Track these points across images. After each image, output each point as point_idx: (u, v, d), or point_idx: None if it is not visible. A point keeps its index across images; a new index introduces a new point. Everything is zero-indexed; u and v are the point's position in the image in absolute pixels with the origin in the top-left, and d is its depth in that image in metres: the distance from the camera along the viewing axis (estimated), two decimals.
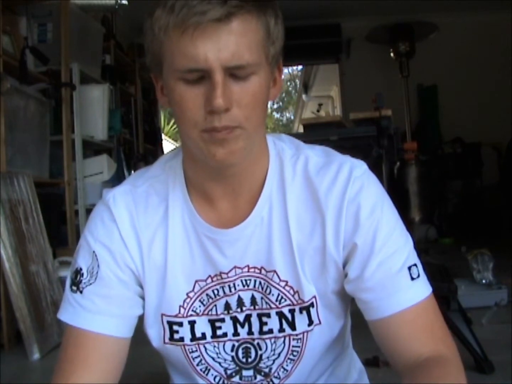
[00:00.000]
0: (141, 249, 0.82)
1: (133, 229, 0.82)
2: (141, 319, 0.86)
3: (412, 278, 0.78)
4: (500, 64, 5.49)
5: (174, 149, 0.89)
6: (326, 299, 0.82)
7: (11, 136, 2.70)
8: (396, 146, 3.80)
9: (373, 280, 0.77)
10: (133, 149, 4.84)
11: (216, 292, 0.83)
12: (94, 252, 0.82)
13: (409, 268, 0.78)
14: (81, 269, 0.82)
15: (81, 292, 0.81)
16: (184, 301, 0.83)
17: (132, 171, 4.44)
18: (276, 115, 22.62)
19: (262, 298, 0.82)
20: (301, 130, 4.72)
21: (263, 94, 0.74)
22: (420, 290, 0.79)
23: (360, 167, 0.81)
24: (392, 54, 5.58)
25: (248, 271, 0.81)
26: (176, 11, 0.67)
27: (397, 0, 5.11)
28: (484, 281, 2.64)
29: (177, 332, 0.83)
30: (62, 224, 3.16)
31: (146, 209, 0.83)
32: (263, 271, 0.81)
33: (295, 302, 0.81)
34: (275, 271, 0.81)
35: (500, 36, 5.43)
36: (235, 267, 0.81)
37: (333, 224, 0.79)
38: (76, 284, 0.82)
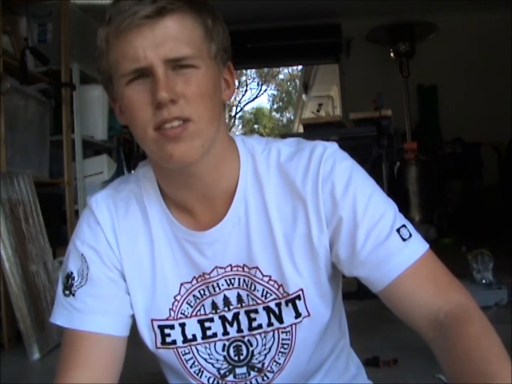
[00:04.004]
0: (120, 253, 0.83)
1: (113, 232, 0.84)
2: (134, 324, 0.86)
3: (404, 239, 0.77)
4: (500, 64, 5.48)
5: None
6: (321, 285, 0.83)
7: (11, 136, 2.70)
8: (396, 146, 3.80)
9: (365, 252, 0.77)
10: (133, 149, 4.83)
11: (202, 292, 0.84)
12: (82, 254, 0.83)
13: (398, 230, 0.78)
14: (72, 273, 0.83)
15: (73, 295, 0.82)
16: (173, 304, 0.84)
17: (132, 171, 4.42)
18: (276, 115, 22.62)
19: (248, 295, 0.83)
20: (301, 130, 4.73)
21: (209, 88, 0.75)
22: (415, 248, 0.78)
23: (331, 147, 0.82)
24: (392, 54, 5.57)
25: (231, 270, 0.82)
26: (112, 20, 0.72)
27: (397, 0, 5.11)
28: (484, 281, 2.64)
29: (169, 335, 0.84)
30: (62, 224, 3.16)
31: (126, 214, 0.85)
32: (245, 269, 0.82)
33: (280, 296, 0.82)
34: (257, 268, 0.81)
35: (500, 36, 5.42)
36: (216, 267, 0.82)
37: (313, 208, 0.79)
38: (68, 288, 0.83)
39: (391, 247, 0.77)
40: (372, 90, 4.04)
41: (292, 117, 19.59)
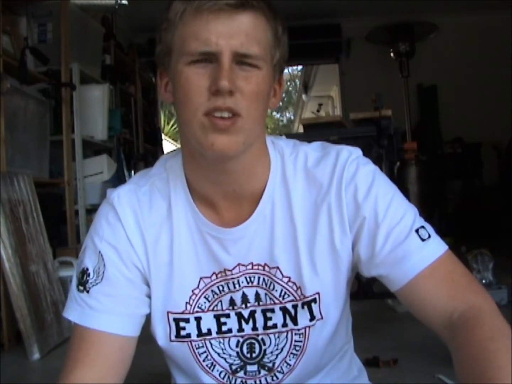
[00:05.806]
0: (146, 248, 0.83)
1: (138, 228, 0.83)
2: (148, 318, 0.86)
3: (423, 240, 0.79)
4: (500, 64, 5.48)
5: (174, 150, 0.91)
6: (338, 288, 0.84)
7: (11, 136, 2.70)
8: (396, 146, 3.79)
9: (384, 252, 0.79)
10: (133, 149, 4.84)
11: (221, 288, 0.84)
12: (100, 252, 0.83)
13: (417, 231, 0.79)
14: (87, 269, 0.83)
15: (87, 291, 0.82)
16: (190, 297, 0.84)
17: (132, 171, 4.44)
18: (276, 115, 22.63)
19: (266, 294, 0.84)
20: (301, 130, 4.72)
21: (265, 91, 0.77)
22: (433, 249, 0.79)
23: (355, 152, 0.85)
24: (392, 54, 5.57)
25: (252, 268, 0.83)
26: None
27: (397, 0, 5.11)
28: (484, 281, 2.64)
29: (183, 328, 0.85)
30: (62, 224, 3.16)
31: (150, 208, 0.85)
32: (266, 268, 0.83)
33: (297, 298, 0.83)
34: (278, 268, 0.83)
35: (500, 36, 5.42)
36: (239, 264, 0.83)
37: (337, 211, 0.81)
38: (83, 284, 0.83)
39: (410, 247, 0.78)
40: (372, 90, 4.04)
41: (292, 117, 19.59)
